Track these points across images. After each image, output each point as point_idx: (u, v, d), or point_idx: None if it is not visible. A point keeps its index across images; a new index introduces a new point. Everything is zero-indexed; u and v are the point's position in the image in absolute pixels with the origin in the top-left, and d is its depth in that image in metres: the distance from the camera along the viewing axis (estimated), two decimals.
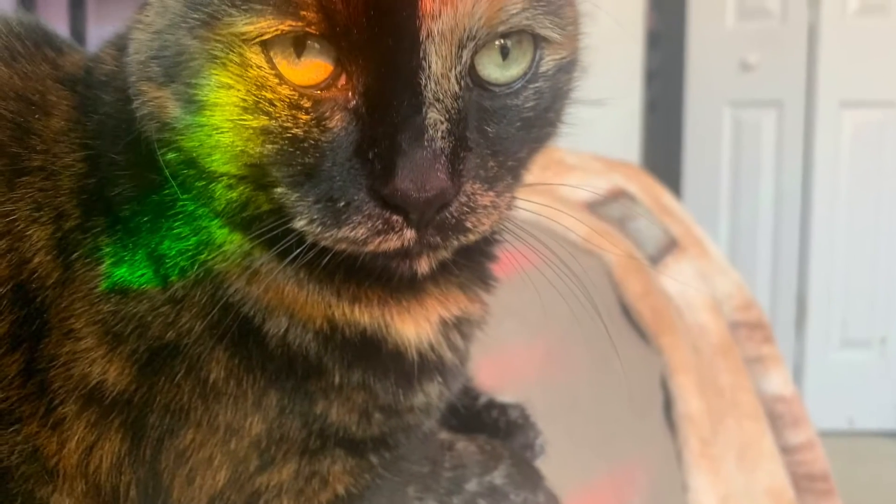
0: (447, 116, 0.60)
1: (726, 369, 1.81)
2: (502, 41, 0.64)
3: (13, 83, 0.75)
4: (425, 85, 0.59)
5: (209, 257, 0.69)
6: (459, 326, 0.78)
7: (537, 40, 0.66)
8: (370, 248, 0.62)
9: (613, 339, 1.61)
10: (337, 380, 0.72)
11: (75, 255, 0.70)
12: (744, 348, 1.91)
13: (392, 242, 0.62)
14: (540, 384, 1.28)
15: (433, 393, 0.78)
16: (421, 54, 0.59)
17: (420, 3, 0.58)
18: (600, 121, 3.53)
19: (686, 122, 3.51)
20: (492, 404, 1.00)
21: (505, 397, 1.02)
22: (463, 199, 0.62)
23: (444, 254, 0.70)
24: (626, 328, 1.67)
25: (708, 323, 1.85)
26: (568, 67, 0.70)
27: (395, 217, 0.61)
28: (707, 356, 1.80)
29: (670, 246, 1.92)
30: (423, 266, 0.69)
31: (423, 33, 0.59)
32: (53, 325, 0.69)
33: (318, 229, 0.62)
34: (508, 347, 1.24)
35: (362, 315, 0.72)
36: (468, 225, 0.63)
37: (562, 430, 1.23)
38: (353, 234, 0.61)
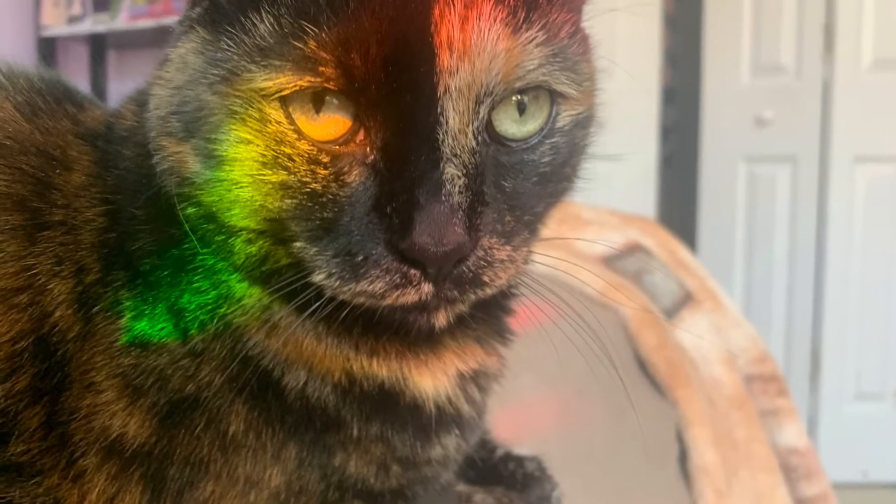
0: (464, 171, 0.60)
1: (741, 422, 1.80)
2: (519, 97, 0.64)
3: (34, 138, 0.74)
4: (443, 140, 0.60)
5: (228, 311, 0.69)
6: (477, 379, 0.78)
7: (554, 96, 0.66)
8: (388, 301, 0.62)
9: (629, 391, 1.61)
10: (355, 432, 0.72)
11: (96, 309, 0.70)
12: (758, 401, 1.91)
13: (410, 296, 0.62)
14: (556, 437, 1.28)
15: (450, 445, 0.77)
16: (438, 110, 0.59)
17: (437, 59, 0.59)
18: (616, 175, 3.58)
19: (701, 177, 3.50)
20: (509, 457, 1.00)
21: (522, 450, 1.02)
22: (480, 253, 0.62)
23: (462, 307, 0.70)
24: (642, 381, 1.67)
25: (722, 376, 1.85)
26: (584, 123, 0.70)
27: (412, 271, 0.61)
28: (722, 409, 1.80)
29: (685, 299, 1.93)
30: (441, 320, 0.69)
31: (441, 89, 0.59)
32: (74, 378, 0.69)
33: (337, 283, 0.62)
34: (525, 400, 1.24)
35: (380, 368, 0.72)
36: (485, 279, 0.63)
37: (578, 483, 1.22)
38: (371, 287, 0.61)
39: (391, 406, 0.73)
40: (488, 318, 0.79)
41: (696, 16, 3.54)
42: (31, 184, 0.72)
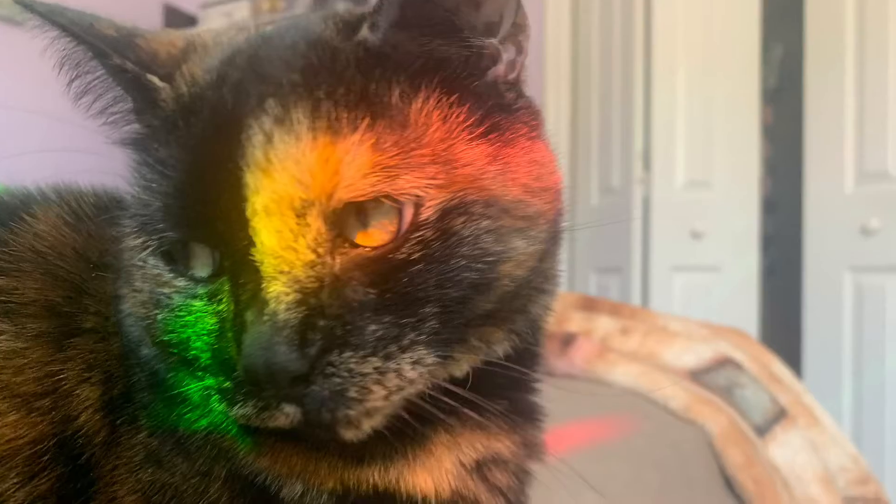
0: (297, 287, 0.59)
1: None
2: (364, 201, 0.61)
3: (75, 242, 0.77)
4: (261, 260, 0.59)
5: (217, 435, 0.69)
6: (492, 467, 0.75)
7: (396, 198, 0.62)
8: (262, 424, 0.61)
9: None
10: None
11: (120, 421, 0.71)
12: None
13: (279, 420, 0.61)
14: None
15: None
16: (251, 231, 0.60)
17: (241, 180, 0.59)
18: (716, 287, 3.48)
19: (805, 288, 3.40)
20: None
21: None
22: (329, 370, 0.59)
23: (371, 421, 0.64)
24: (727, 500, 1.62)
25: (820, 497, 1.78)
26: (461, 209, 0.64)
27: (266, 393, 0.59)
28: None
29: (779, 415, 1.88)
30: (349, 435, 0.64)
31: (249, 210, 0.59)
32: (100, 488, 0.70)
33: (227, 408, 0.63)
34: None
35: (370, 473, 0.70)
36: (352, 395, 0.60)
37: None
38: (242, 412, 0.61)
39: None
40: (498, 402, 0.75)
41: (797, 124, 3.48)
42: (64, 289, 0.74)
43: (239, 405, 0.61)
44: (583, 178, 3.87)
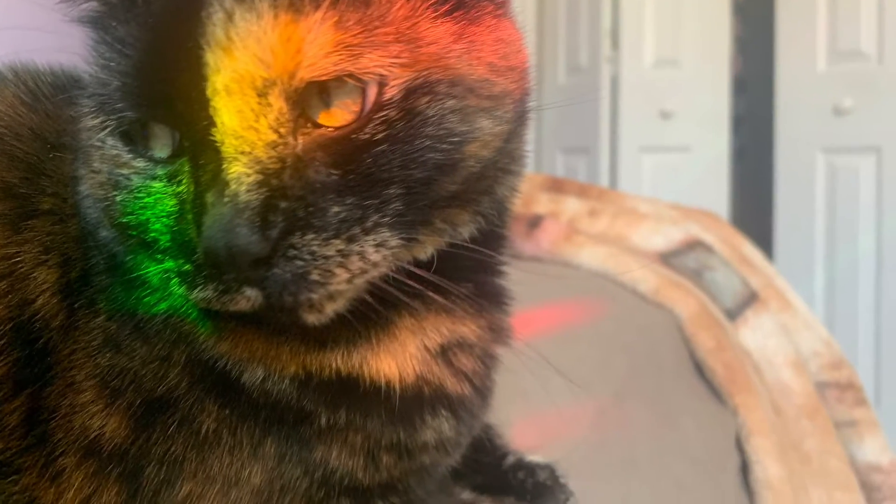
0: (258, 168, 0.58)
1: (813, 433, 1.70)
2: (327, 81, 0.60)
3: (31, 121, 0.77)
4: (222, 140, 0.59)
5: (177, 319, 0.69)
6: (461, 352, 0.76)
7: (360, 77, 0.61)
8: (223, 308, 0.61)
9: (682, 396, 1.53)
10: (324, 421, 0.71)
11: (78, 304, 0.71)
12: (833, 410, 1.80)
13: (240, 303, 0.60)
14: (589, 444, 1.22)
15: (444, 427, 0.75)
16: (211, 111, 0.59)
17: (201, 59, 0.58)
18: (685, 168, 3.46)
19: (777, 170, 3.36)
20: (519, 465, 0.96)
21: (535, 457, 0.97)
22: (291, 252, 0.59)
23: (331, 305, 0.64)
24: (698, 385, 1.59)
25: (791, 381, 1.75)
26: (425, 88, 0.64)
27: (227, 276, 0.59)
28: (790, 417, 1.70)
29: (750, 299, 1.84)
30: (311, 318, 0.64)
31: (210, 89, 0.58)
32: (57, 373, 0.70)
33: (187, 291, 0.62)
34: (555, 406, 1.17)
35: (333, 358, 0.70)
36: (315, 278, 0.60)
37: (616, 492, 1.17)
38: (202, 295, 0.61)
39: (353, 391, 0.71)
40: (461, 285, 0.74)
41: (768, 1, 3.42)
42: (20, 170, 0.74)
43: (199, 288, 0.61)
44: (550, 57, 3.82)
